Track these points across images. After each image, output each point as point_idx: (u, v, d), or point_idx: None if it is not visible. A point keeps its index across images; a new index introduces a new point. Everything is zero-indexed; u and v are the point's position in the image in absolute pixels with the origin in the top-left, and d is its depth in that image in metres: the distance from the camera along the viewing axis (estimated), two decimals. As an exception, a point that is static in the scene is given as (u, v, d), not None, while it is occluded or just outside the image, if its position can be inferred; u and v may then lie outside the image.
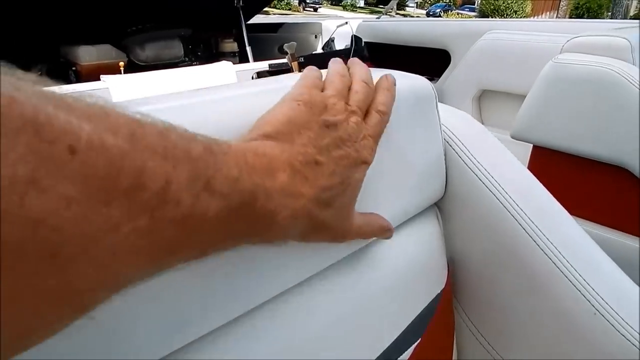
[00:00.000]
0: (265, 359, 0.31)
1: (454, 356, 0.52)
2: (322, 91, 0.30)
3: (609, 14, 19.06)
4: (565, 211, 0.48)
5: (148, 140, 0.17)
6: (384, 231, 0.37)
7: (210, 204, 0.19)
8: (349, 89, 0.32)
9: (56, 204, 0.13)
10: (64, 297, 0.14)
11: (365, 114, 0.32)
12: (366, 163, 0.30)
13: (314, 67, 0.33)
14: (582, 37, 1.00)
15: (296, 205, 0.25)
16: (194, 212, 0.18)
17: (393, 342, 0.41)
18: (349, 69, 0.35)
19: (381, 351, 0.40)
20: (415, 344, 0.44)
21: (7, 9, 1.32)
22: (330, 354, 0.36)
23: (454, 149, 0.47)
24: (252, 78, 1.57)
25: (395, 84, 0.37)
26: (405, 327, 0.43)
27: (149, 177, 0.16)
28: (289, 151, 0.25)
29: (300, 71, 1.54)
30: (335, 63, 0.34)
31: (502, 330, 0.48)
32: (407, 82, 0.43)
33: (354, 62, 0.36)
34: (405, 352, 0.43)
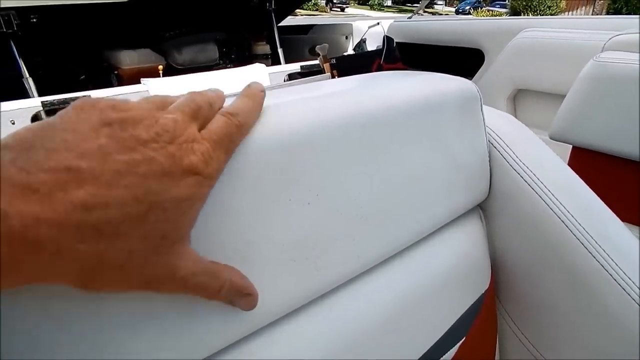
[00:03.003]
0: (313, 358, 0.32)
1: (497, 356, 0.52)
2: None
3: (650, 8, 18.23)
4: (610, 210, 0.48)
5: None
6: (238, 293, 0.27)
7: None
8: None
9: None
10: None
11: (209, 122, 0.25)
12: (195, 173, 0.22)
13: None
14: (625, 34, 0.98)
15: (30, 233, 0.17)
16: None
17: (437, 341, 0.42)
18: None
19: (425, 350, 0.41)
20: (459, 343, 0.45)
21: (54, 16, 1.39)
22: (377, 353, 0.37)
23: (498, 150, 0.47)
24: (284, 80, 1.60)
25: (263, 93, 0.31)
26: (450, 326, 0.43)
27: None
28: (22, 163, 0.18)
29: (331, 72, 1.55)
30: None
31: (544, 330, 0.48)
32: (453, 84, 0.44)
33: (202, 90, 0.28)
34: (449, 352, 0.44)
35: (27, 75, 1.36)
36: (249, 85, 0.30)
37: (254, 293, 0.28)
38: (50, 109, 1.13)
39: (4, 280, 0.17)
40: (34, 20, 1.36)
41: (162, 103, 0.25)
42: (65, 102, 1.14)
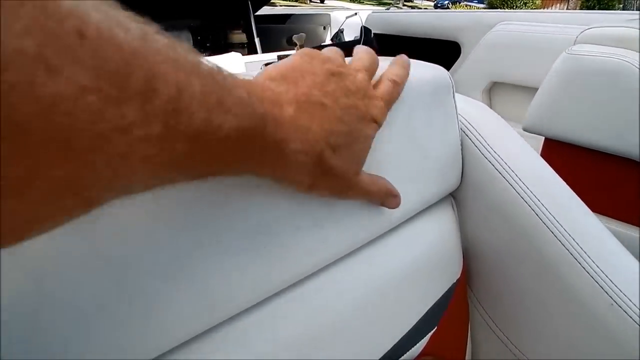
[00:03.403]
0: (281, 349, 0.31)
1: (468, 346, 0.52)
2: None
3: (621, 5, 18.78)
4: (582, 202, 0.48)
5: (160, 46, 0.16)
6: (390, 195, 0.36)
7: (223, 121, 0.19)
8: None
9: (69, 89, 0.13)
10: (72, 189, 0.14)
11: (378, 83, 0.34)
12: (376, 122, 0.31)
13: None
14: (596, 28, 0.99)
15: (306, 139, 0.25)
16: (207, 127, 0.18)
17: (408, 331, 0.42)
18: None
19: (396, 340, 0.40)
20: (430, 333, 0.44)
21: None
22: (346, 343, 0.36)
23: (470, 139, 0.47)
24: (261, 69, 1.57)
25: (409, 65, 0.38)
26: (421, 316, 0.43)
27: (161, 82, 0.16)
28: (293, 91, 0.26)
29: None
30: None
31: (516, 319, 0.49)
32: (424, 70, 0.43)
33: (360, 48, 0.37)
34: (420, 342, 0.43)
35: None
36: (401, 56, 0.38)
37: (399, 195, 0.36)
38: None
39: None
40: None
41: (342, 56, 0.32)
42: None
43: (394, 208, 0.37)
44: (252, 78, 0.26)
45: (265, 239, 0.29)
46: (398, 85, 0.35)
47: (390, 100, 0.34)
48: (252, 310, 0.31)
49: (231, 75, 0.21)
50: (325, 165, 0.27)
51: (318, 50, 0.30)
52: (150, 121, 0.15)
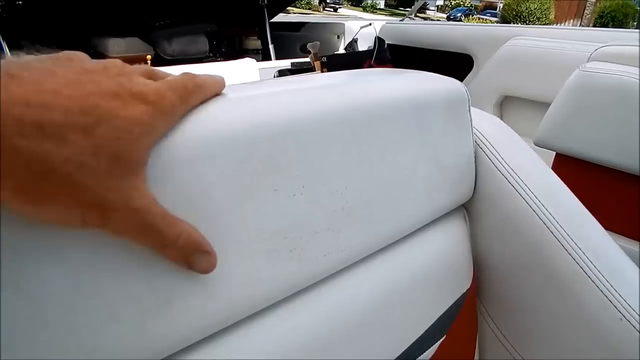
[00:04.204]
0: (293, 351, 0.32)
1: (476, 356, 0.53)
2: None
3: (635, 23, 18.68)
4: (592, 216, 0.48)
5: None
6: (196, 250, 0.25)
7: None
8: None
9: None
10: None
11: None
12: (146, 102, 0.22)
13: None
14: (610, 46, 1.00)
15: None
16: None
17: (417, 339, 0.42)
18: None
19: (405, 348, 0.41)
20: (439, 342, 0.45)
21: (42, 1, 1.36)
22: (355, 348, 0.36)
23: (484, 151, 0.48)
24: (274, 76, 1.59)
25: (223, 84, 0.31)
26: (430, 324, 0.44)
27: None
28: None
29: (322, 70, 1.55)
30: None
31: (524, 332, 0.49)
32: (442, 84, 0.44)
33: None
34: (428, 350, 0.44)
35: (10, 58, 1.33)
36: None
37: (213, 253, 0.26)
38: None
39: None
40: (20, 2, 1.33)
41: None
42: None
43: (204, 272, 0.26)
44: None
45: (281, 242, 0.30)
46: (194, 76, 0.27)
47: (179, 86, 0.25)
48: (266, 311, 0.32)
49: None
50: (24, 156, 0.18)
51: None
52: None
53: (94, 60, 0.23)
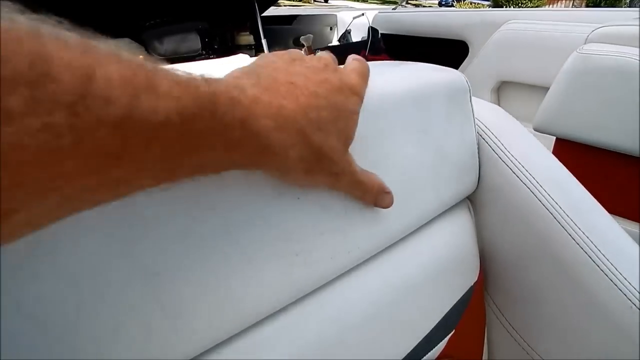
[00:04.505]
0: (304, 352, 0.32)
1: (485, 349, 0.52)
2: None
3: (627, 2, 18.61)
4: (596, 202, 0.48)
5: (58, 36, 0.15)
6: (383, 192, 0.34)
7: (156, 105, 0.17)
8: None
9: None
10: None
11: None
12: (356, 93, 0.29)
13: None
14: (608, 27, 0.99)
15: (279, 114, 0.23)
16: (133, 112, 0.16)
17: (427, 334, 0.42)
18: None
19: (415, 343, 0.41)
20: (449, 336, 0.45)
21: (26, 2, 1.33)
22: (366, 347, 0.36)
23: (487, 142, 0.47)
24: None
25: (367, 69, 0.34)
26: (439, 319, 0.43)
27: (57, 67, 0.14)
28: (256, 79, 0.24)
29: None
30: None
31: (533, 322, 0.49)
32: (442, 75, 0.43)
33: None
34: (439, 345, 0.43)
35: None
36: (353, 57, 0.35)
37: (391, 194, 0.34)
38: None
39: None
40: None
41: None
42: None
43: (386, 207, 0.35)
44: None
45: (289, 246, 0.30)
46: (362, 62, 0.33)
47: (362, 73, 0.31)
48: (276, 315, 0.31)
49: (169, 67, 0.19)
50: (313, 145, 0.25)
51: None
52: (49, 109, 0.14)
53: (306, 57, 0.29)
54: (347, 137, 0.29)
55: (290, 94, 0.24)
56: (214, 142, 0.20)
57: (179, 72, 0.19)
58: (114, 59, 0.16)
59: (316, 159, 0.26)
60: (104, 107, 0.15)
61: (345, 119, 0.28)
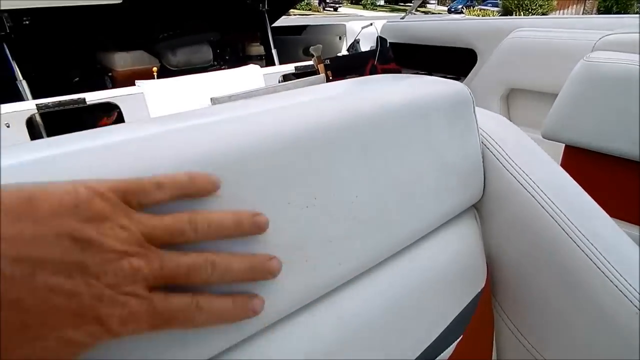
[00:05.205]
0: (315, 355, 0.33)
1: (494, 354, 0.53)
2: None
3: (639, 5, 18.42)
4: (600, 208, 0.49)
5: None
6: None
7: None
8: None
9: None
10: None
11: None
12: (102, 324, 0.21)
13: None
14: (615, 34, 0.99)
15: None
16: None
17: (434, 340, 0.43)
18: None
19: (423, 349, 0.42)
20: (456, 342, 0.45)
21: (46, 19, 1.38)
22: (374, 352, 0.37)
23: (491, 152, 0.48)
24: (279, 81, 1.60)
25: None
26: (446, 326, 0.44)
27: None
28: None
29: (325, 73, 1.56)
30: None
31: (540, 329, 0.49)
32: (445, 87, 0.45)
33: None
34: (446, 351, 0.44)
35: (21, 77, 1.36)
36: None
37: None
38: (45, 112, 1.12)
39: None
40: (27, 22, 1.35)
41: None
42: (60, 105, 1.14)
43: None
44: None
45: (299, 253, 0.31)
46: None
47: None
48: (286, 319, 0.33)
49: None
50: None
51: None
52: None
53: None
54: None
55: None
56: None
57: None
58: None
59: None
60: None
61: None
